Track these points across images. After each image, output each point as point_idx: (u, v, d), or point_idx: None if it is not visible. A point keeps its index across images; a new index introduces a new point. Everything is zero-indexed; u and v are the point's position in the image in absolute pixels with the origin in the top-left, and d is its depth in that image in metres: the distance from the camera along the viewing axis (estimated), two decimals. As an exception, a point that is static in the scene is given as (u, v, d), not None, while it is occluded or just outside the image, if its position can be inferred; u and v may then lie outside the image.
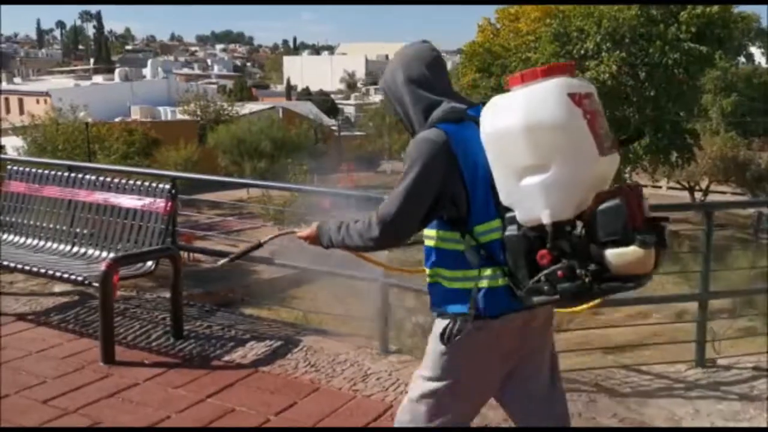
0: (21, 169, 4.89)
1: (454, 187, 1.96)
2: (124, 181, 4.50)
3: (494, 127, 1.88)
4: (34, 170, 4.85)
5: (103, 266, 3.81)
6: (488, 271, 1.96)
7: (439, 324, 2.04)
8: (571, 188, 1.82)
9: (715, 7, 23.37)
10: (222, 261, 3.00)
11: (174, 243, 4.50)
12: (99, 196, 4.56)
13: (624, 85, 23.42)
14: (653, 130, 23.29)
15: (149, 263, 4.15)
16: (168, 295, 4.82)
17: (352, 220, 2.14)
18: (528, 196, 1.84)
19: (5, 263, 4.32)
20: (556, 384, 2.18)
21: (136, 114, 45.00)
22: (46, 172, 4.81)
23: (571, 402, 2.86)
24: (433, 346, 2.06)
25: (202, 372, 3.78)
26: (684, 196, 28.81)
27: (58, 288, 5.02)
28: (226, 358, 3.96)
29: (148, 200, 4.37)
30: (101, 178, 4.60)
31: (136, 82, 53.46)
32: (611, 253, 1.78)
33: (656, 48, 22.77)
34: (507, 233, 1.91)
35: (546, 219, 1.82)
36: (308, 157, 37.18)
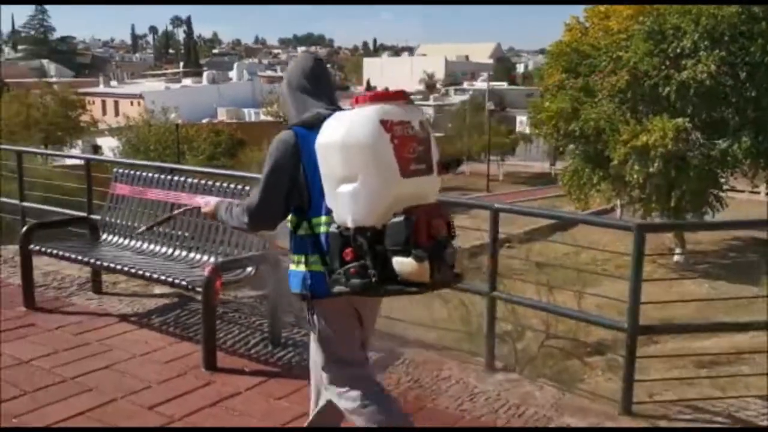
0: (126, 171, 4.95)
1: (299, 181, 2.34)
2: (225, 184, 4.48)
3: (323, 140, 2.24)
4: (138, 173, 4.91)
5: (206, 271, 3.77)
6: (314, 258, 2.35)
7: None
8: (372, 200, 2.16)
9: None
10: (141, 229, 3.80)
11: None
12: (200, 200, 4.55)
13: (723, 86, 22.20)
14: (753, 132, 21.99)
15: (249, 269, 4.10)
16: (264, 300, 4.83)
17: (237, 203, 2.57)
18: (340, 201, 2.21)
19: (110, 265, 4.38)
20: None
21: (222, 115, 46.29)
22: (150, 174, 4.86)
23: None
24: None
25: (303, 383, 3.67)
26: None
27: (158, 290, 5.07)
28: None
29: (248, 205, 4.32)
30: (202, 182, 4.60)
31: (222, 84, 54.99)
32: (394, 261, 2.12)
33: (758, 47, 21.49)
34: (330, 229, 2.26)
35: (350, 223, 2.18)
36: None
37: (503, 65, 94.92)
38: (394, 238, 2.13)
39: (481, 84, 71.34)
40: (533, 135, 31.43)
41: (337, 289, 2.25)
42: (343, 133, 2.18)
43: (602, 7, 26.12)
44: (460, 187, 41.03)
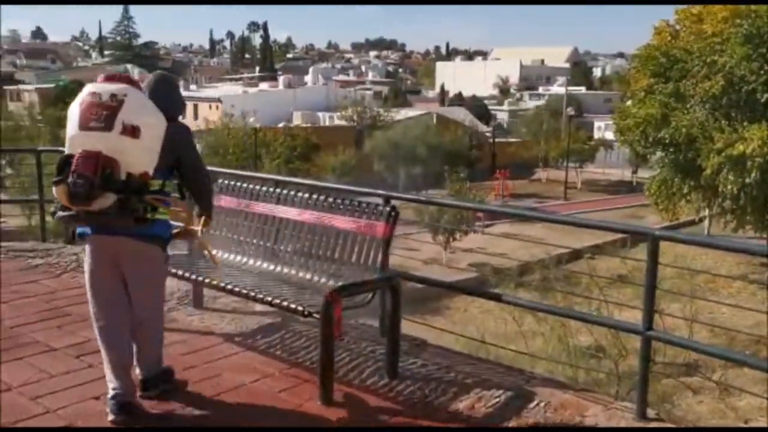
0: (231, 183, 4.73)
1: None
2: (339, 200, 4.19)
3: None
4: (244, 185, 4.68)
5: (325, 296, 3.47)
6: None
7: None
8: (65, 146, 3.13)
9: None
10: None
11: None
12: (310, 216, 4.29)
13: (828, 91, 20.78)
14: None
15: (369, 294, 3.78)
16: (375, 324, 4.51)
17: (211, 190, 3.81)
18: None
19: (217, 283, 4.14)
20: None
21: (297, 119, 46.80)
22: (257, 187, 4.62)
23: None
24: None
25: (428, 422, 3.34)
26: None
27: (259, 306, 4.82)
28: (452, 407, 3.49)
29: (364, 222, 4.02)
30: (314, 196, 4.32)
31: (297, 88, 55.62)
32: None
33: None
34: None
35: None
36: (462, 163, 36.73)
37: (580, 69, 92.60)
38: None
39: (557, 88, 69.81)
40: (618, 141, 30.20)
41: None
42: None
43: (695, 9, 24.90)
44: (537, 194, 40.08)
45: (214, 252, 4.11)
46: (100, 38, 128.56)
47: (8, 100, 52.78)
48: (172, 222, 3.47)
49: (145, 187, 3.13)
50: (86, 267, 3.34)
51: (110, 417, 3.21)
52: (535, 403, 3.50)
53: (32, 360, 3.90)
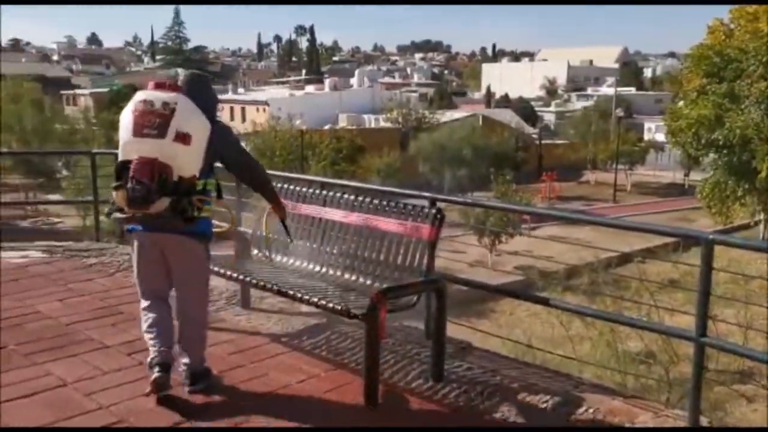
0: (279, 185, 4.77)
1: None
2: (384, 202, 4.19)
3: None
4: (291, 187, 4.73)
5: (370, 298, 3.47)
6: None
7: None
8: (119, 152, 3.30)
9: None
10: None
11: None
12: (356, 218, 4.31)
13: None
14: None
15: (414, 297, 3.77)
16: (420, 326, 4.50)
17: (267, 181, 3.88)
18: None
19: (264, 284, 4.18)
20: None
21: (343, 122, 47.06)
22: (304, 189, 4.67)
23: None
24: None
25: (475, 426, 3.32)
26: None
27: (305, 307, 4.85)
28: (499, 413, 3.45)
29: (410, 224, 4.01)
30: (360, 198, 4.34)
31: (343, 91, 55.95)
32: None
33: None
34: None
35: None
36: (508, 165, 36.39)
37: (630, 69, 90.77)
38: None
39: (606, 89, 68.63)
40: (668, 143, 29.52)
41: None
42: None
43: (750, 8, 24.19)
44: (585, 197, 39.43)
45: (272, 235, 4.45)
46: (152, 43, 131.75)
47: (65, 105, 54.51)
48: (215, 222, 3.63)
49: (193, 188, 3.30)
50: (134, 259, 3.55)
51: (154, 375, 3.35)
52: (584, 408, 3.43)
53: (86, 357, 4.01)
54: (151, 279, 3.53)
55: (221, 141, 3.46)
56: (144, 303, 3.55)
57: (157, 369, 3.36)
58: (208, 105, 3.44)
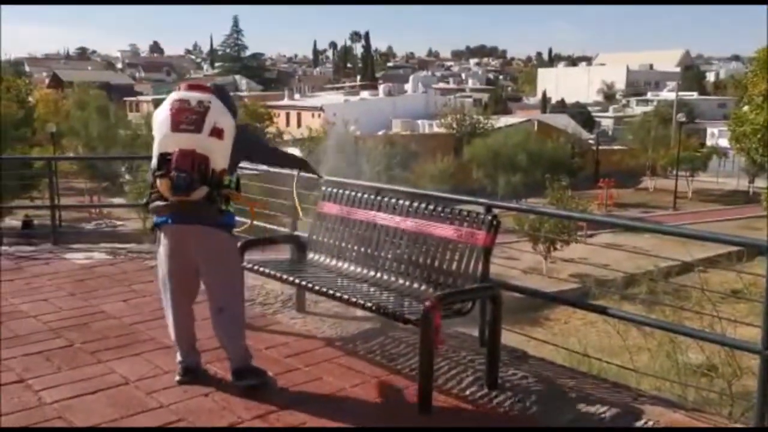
0: (335, 190, 4.84)
1: None
2: (439, 208, 4.19)
3: None
4: (346, 192, 4.78)
5: (425, 304, 3.47)
6: None
7: None
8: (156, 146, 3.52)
9: None
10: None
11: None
12: (411, 223, 4.31)
13: None
14: None
15: (469, 304, 3.76)
16: (473, 333, 4.48)
17: (280, 155, 4.58)
18: None
19: (319, 288, 4.22)
20: None
21: (397, 127, 47.16)
22: (359, 194, 4.70)
23: None
24: None
25: (528, 436, 3.28)
26: None
27: (360, 312, 4.89)
28: (554, 421, 3.40)
29: (465, 230, 4.00)
30: (414, 204, 4.35)
31: (397, 96, 56.09)
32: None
33: None
34: None
35: None
36: (564, 171, 35.82)
37: (692, 73, 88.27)
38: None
39: (666, 94, 66.90)
40: (733, 149, 28.57)
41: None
42: None
43: (822, 8, 23.22)
44: (643, 204, 38.50)
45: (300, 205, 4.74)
46: (211, 51, 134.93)
47: (128, 111, 56.33)
48: (238, 218, 3.82)
49: (222, 182, 3.52)
50: (162, 252, 3.68)
51: (176, 378, 3.71)
52: (643, 421, 3.35)
53: (148, 356, 4.14)
54: (181, 277, 3.66)
55: (244, 135, 3.73)
56: (169, 300, 3.71)
57: (180, 372, 3.71)
58: (231, 110, 3.68)
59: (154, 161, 3.47)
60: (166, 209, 3.50)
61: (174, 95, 3.55)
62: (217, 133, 3.44)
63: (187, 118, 3.42)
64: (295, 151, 34.53)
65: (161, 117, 3.49)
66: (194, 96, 3.49)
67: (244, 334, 3.74)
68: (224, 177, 3.52)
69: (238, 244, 3.98)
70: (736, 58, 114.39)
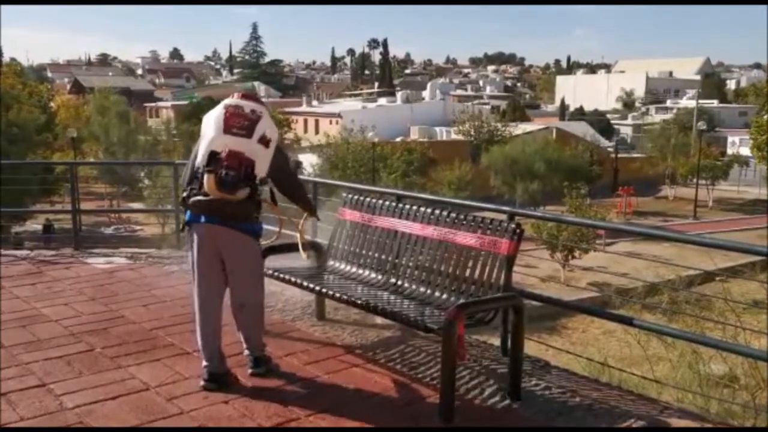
0: (355, 197, 4.82)
1: None
2: (462, 216, 4.16)
3: None
4: (367, 199, 4.76)
5: (447, 314, 3.43)
6: None
7: None
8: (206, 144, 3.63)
9: None
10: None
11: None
12: (433, 231, 4.28)
13: None
14: None
15: (491, 313, 3.71)
16: (495, 342, 4.43)
17: (299, 186, 4.23)
18: None
19: (340, 295, 4.19)
20: None
21: (414, 134, 47.11)
22: (380, 202, 4.68)
23: None
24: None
25: (552, 449, 3.23)
26: None
27: (379, 320, 4.86)
28: (580, 435, 3.34)
29: (488, 238, 3.96)
30: (436, 211, 4.32)
31: (415, 103, 56.06)
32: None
33: None
34: None
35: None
36: (582, 179, 35.56)
37: (712, 81, 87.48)
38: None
39: (686, 101, 66.34)
40: (754, 157, 28.24)
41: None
42: None
43: None
44: (662, 213, 38.12)
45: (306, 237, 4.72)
46: (231, 57, 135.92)
47: (148, 117, 56.83)
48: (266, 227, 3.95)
49: (260, 188, 3.64)
50: (193, 249, 3.76)
51: (201, 383, 3.74)
52: (669, 435, 3.29)
53: (168, 362, 4.13)
54: (210, 276, 3.75)
55: (280, 152, 3.84)
56: (200, 290, 3.77)
57: (205, 378, 3.74)
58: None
59: (202, 158, 3.57)
60: (206, 205, 3.59)
61: (228, 101, 3.70)
62: (264, 141, 3.61)
63: (239, 123, 3.59)
64: (312, 158, 34.65)
65: (213, 118, 3.64)
66: (248, 104, 3.67)
67: (264, 327, 3.98)
68: (264, 185, 3.68)
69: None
70: (758, 66, 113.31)
